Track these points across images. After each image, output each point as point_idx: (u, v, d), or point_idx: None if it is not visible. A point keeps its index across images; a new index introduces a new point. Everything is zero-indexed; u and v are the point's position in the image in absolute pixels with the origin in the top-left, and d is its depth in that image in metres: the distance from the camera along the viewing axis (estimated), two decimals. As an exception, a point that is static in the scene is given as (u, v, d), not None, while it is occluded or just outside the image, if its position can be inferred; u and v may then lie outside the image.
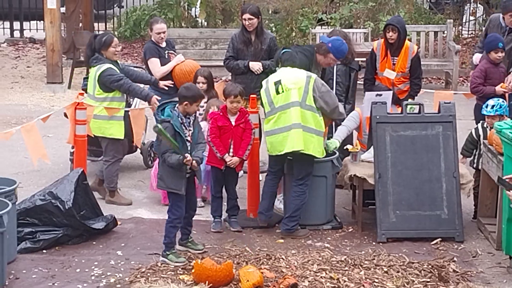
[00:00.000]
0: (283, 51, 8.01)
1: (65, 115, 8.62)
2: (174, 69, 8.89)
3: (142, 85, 8.65)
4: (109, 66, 8.12)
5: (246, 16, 8.83)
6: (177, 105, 6.93)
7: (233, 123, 7.67)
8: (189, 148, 6.89)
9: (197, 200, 8.22)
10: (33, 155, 7.93)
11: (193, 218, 7.27)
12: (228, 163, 7.63)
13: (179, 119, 6.88)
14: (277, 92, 7.53)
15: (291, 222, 7.59)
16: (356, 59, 9.15)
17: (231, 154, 7.67)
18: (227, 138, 7.67)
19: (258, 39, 8.90)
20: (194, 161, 6.84)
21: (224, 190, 7.84)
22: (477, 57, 9.78)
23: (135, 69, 8.89)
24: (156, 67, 8.83)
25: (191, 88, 7.08)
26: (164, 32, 8.94)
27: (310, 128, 7.45)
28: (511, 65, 9.44)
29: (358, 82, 9.24)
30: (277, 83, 7.55)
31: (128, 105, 8.69)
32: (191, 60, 9.30)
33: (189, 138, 6.93)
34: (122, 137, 8.31)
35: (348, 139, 8.36)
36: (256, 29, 8.88)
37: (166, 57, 8.93)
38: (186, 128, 6.90)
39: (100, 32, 17.69)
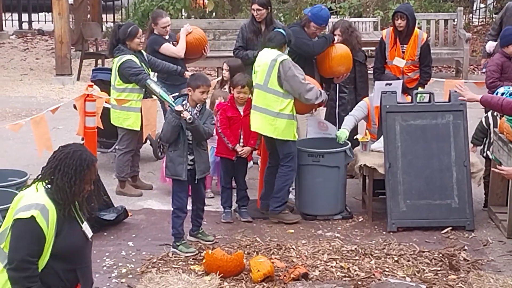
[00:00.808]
0: (273, 30, 7.98)
1: (75, 107, 8.63)
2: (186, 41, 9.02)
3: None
4: (130, 57, 8.11)
5: (255, 6, 8.82)
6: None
7: (242, 113, 7.67)
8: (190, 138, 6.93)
9: (208, 191, 8.26)
10: (40, 147, 7.95)
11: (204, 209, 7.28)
12: (239, 153, 7.64)
13: (183, 106, 6.90)
14: (254, 73, 7.66)
15: (275, 203, 7.65)
16: (365, 48, 9.12)
17: (241, 144, 7.68)
18: (236, 128, 7.67)
19: (267, 29, 8.87)
20: (186, 112, 6.82)
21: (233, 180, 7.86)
22: (490, 45, 9.70)
23: (160, 60, 8.82)
24: (174, 49, 8.90)
25: (195, 74, 7.19)
26: (169, 26, 9.02)
27: (272, 111, 7.46)
28: None
29: (368, 72, 9.22)
30: (256, 63, 7.68)
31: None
32: (196, 28, 9.35)
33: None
34: (139, 129, 8.31)
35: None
36: (265, 19, 8.87)
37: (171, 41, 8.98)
38: None
39: (109, 24, 17.69)
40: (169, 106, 7.14)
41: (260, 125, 7.54)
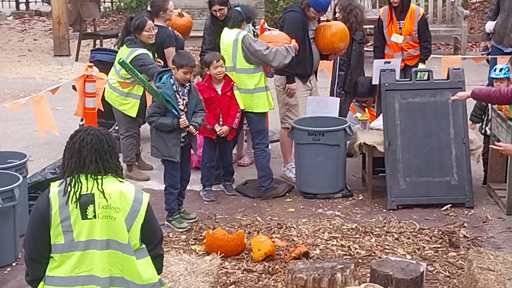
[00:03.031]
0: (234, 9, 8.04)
1: (74, 87, 8.60)
2: (177, 25, 8.94)
3: None
4: (144, 52, 7.91)
5: (216, 7, 8.65)
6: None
7: (219, 92, 7.63)
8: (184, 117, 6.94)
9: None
10: (41, 127, 7.92)
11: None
12: (218, 133, 7.63)
13: (173, 87, 6.90)
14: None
15: (266, 182, 7.81)
16: (363, 26, 9.11)
17: (220, 123, 7.66)
18: (215, 108, 7.63)
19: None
20: (191, 126, 6.89)
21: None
22: (490, 25, 9.63)
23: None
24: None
25: (180, 54, 7.17)
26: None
27: (249, 89, 7.68)
28: None
29: (367, 49, 9.21)
30: (221, 46, 7.85)
31: None
32: (185, 16, 9.31)
33: (182, 107, 6.93)
34: (134, 116, 8.22)
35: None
36: (227, 15, 8.73)
37: (179, 37, 8.78)
38: (180, 97, 6.93)
39: (107, 4, 17.53)
40: (167, 108, 6.99)
41: (242, 103, 7.73)
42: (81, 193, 3.84)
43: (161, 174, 8.46)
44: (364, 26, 9.26)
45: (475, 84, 10.60)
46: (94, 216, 3.84)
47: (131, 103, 8.16)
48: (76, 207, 3.84)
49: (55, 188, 3.91)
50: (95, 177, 3.87)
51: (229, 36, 7.75)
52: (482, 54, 10.19)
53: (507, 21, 9.39)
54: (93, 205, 3.84)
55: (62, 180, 3.91)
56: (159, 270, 4.09)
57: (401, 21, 8.94)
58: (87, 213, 3.85)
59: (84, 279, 3.87)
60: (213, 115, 7.62)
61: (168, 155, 6.96)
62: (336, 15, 8.81)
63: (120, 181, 3.92)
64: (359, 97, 8.51)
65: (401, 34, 8.94)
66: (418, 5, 12.67)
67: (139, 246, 3.95)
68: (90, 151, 3.86)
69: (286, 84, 8.09)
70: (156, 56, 8.21)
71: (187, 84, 7.00)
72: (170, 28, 8.67)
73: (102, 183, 3.86)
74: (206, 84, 7.64)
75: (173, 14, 8.88)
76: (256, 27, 8.73)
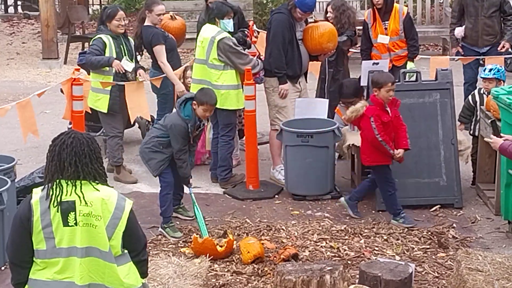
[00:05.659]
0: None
1: (62, 91, 8.58)
2: (170, 28, 8.94)
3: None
4: (101, 37, 8.06)
5: None
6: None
7: (390, 114, 7.10)
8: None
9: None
10: (24, 131, 7.91)
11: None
12: (397, 157, 7.13)
13: (195, 122, 6.93)
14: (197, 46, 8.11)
15: (224, 172, 8.07)
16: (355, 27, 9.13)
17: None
18: (390, 132, 7.11)
19: None
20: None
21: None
22: (459, 31, 9.66)
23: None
24: (164, 59, 8.46)
25: (203, 90, 7.14)
26: (163, 13, 8.68)
27: (215, 84, 7.86)
28: (505, 31, 9.48)
29: (354, 51, 9.22)
30: (198, 37, 8.13)
31: (125, 79, 8.39)
32: (177, 18, 9.31)
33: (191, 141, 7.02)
34: (105, 111, 8.22)
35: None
36: None
37: (169, 36, 8.76)
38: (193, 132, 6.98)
39: (95, 6, 17.53)
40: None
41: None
42: (63, 200, 3.84)
43: (150, 177, 8.42)
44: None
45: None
46: (75, 224, 3.85)
47: (101, 98, 8.19)
48: (58, 211, 3.84)
49: (37, 194, 3.91)
50: (74, 183, 3.87)
51: (208, 32, 7.99)
52: (456, 60, 10.19)
53: (476, 24, 9.50)
54: (74, 213, 3.85)
55: (44, 186, 3.91)
56: (143, 274, 4.11)
57: (386, 22, 8.95)
58: (68, 220, 3.85)
59: (66, 285, 3.89)
60: (390, 139, 7.08)
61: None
62: (328, 15, 8.81)
63: (96, 189, 3.89)
64: (344, 99, 8.47)
65: (387, 35, 8.94)
66: (407, 6, 12.70)
67: (121, 252, 3.95)
68: (70, 154, 3.87)
69: (279, 85, 8.09)
70: (126, 49, 8.21)
71: (203, 121, 7.07)
72: (159, 28, 8.63)
73: (81, 188, 3.86)
74: (378, 108, 7.04)
75: (164, 18, 8.85)
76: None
